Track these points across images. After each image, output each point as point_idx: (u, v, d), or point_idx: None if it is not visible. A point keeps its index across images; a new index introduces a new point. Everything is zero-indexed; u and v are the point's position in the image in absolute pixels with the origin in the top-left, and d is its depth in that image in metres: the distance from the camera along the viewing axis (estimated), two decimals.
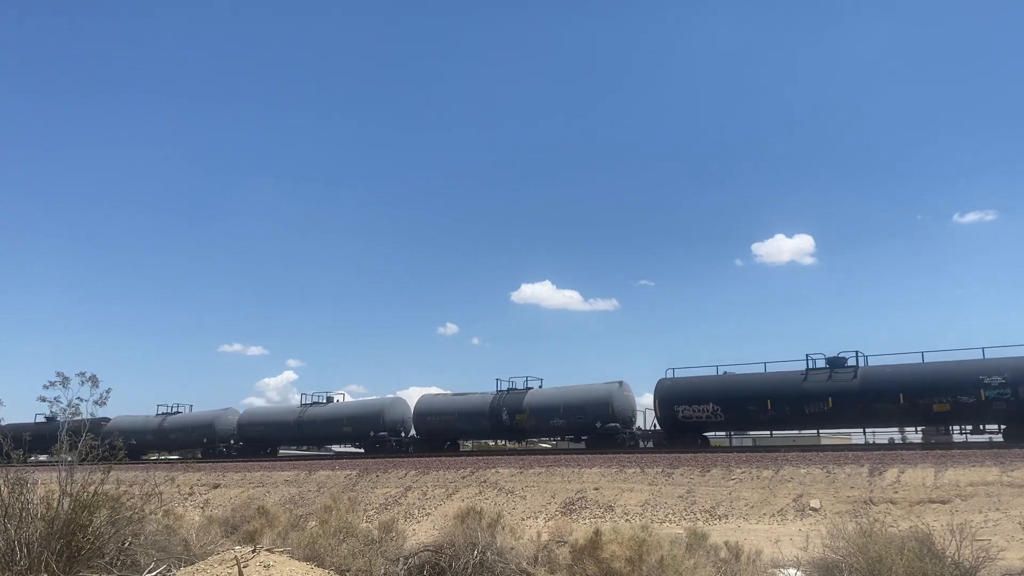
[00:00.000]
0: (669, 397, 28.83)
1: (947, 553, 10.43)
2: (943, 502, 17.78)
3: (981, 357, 24.26)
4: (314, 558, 11.19)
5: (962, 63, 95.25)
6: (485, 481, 24.88)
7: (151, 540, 11.28)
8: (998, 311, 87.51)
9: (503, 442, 36.43)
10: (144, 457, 44.24)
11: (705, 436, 29.67)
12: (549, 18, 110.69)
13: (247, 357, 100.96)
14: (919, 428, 26.84)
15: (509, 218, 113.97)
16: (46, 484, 11.24)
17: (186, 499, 28.53)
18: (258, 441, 40.22)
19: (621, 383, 31.17)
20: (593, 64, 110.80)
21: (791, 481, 20.55)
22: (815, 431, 29.07)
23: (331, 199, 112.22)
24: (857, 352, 26.22)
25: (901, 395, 24.63)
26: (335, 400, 39.56)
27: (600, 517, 20.47)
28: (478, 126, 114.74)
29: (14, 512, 10.17)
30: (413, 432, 35.93)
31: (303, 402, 39.66)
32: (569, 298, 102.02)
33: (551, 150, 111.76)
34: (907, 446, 25.04)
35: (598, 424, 30.11)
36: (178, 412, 44.61)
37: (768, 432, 28.96)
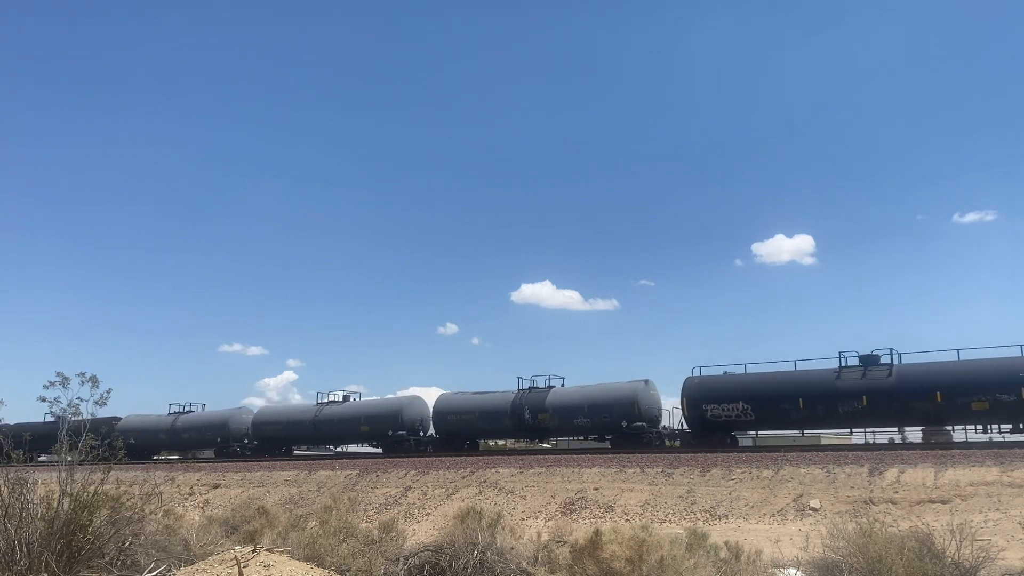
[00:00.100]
0: (697, 396, 28.25)
1: (947, 553, 10.43)
2: (943, 502, 17.79)
3: (1020, 355, 23.93)
4: (314, 558, 11.19)
5: (962, 63, 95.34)
6: (485, 481, 24.89)
7: (151, 540, 11.28)
8: (998, 311, 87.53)
9: (525, 442, 35.71)
10: (155, 457, 43.70)
11: (734, 436, 29.09)
12: (549, 18, 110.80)
13: (247, 357, 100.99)
14: (954, 427, 26.27)
15: (509, 218, 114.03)
16: (46, 484, 11.24)
17: (186, 499, 28.54)
18: (273, 440, 39.64)
19: (647, 381, 30.55)
20: (593, 64, 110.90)
21: (791, 481, 20.55)
22: (848, 430, 28.54)
23: (331, 199, 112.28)
24: (891, 350, 25.81)
25: (938, 393, 24.20)
26: (351, 399, 39.00)
27: (600, 517, 20.47)
28: (478, 126, 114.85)
29: (14, 512, 10.18)
30: (431, 432, 35.35)
31: (319, 401, 38.97)
32: (569, 298, 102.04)
33: (551, 150, 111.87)
34: (907, 446, 24.99)
35: (624, 423, 29.49)
36: (190, 411, 43.95)
37: (800, 431, 28.37)
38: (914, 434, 27.82)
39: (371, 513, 23.24)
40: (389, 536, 13.95)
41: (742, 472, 21.71)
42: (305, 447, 42.64)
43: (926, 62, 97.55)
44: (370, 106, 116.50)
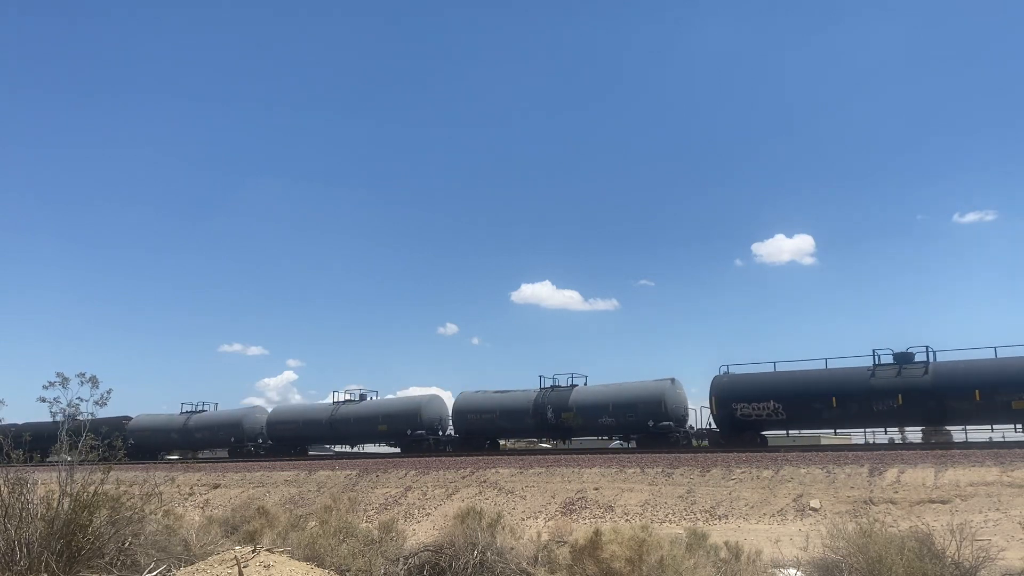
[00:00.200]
0: (726, 394, 27.78)
1: (947, 553, 10.43)
2: (943, 502, 17.79)
3: None
4: (314, 558, 11.19)
5: (962, 63, 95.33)
6: (485, 481, 24.89)
7: (151, 540, 11.27)
8: (998, 311, 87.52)
9: (547, 441, 34.95)
10: (167, 456, 43.34)
11: (763, 435, 28.63)
12: (549, 18, 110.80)
13: (247, 357, 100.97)
14: (994, 426, 26.02)
15: (509, 218, 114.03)
16: (46, 484, 11.23)
17: (186, 499, 28.53)
18: (288, 440, 39.15)
19: (673, 380, 30.07)
20: (593, 64, 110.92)
21: (791, 481, 20.56)
22: (882, 429, 27.83)
23: (331, 199, 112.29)
24: (927, 347, 25.41)
25: (977, 392, 23.70)
26: (368, 398, 38.52)
27: (600, 517, 20.48)
28: (478, 126, 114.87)
29: (14, 512, 10.17)
30: (450, 431, 34.99)
31: (335, 400, 38.48)
32: (569, 298, 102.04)
33: (551, 150, 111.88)
34: (907, 446, 25.01)
35: (650, 423, 28.94)
36: (202, 411, 43.53)
37: (832, 431, 27.83)
38: (914, 434, 27.83)
39: (371, 513, 23.24)
40: (389, 536, 13.95)
41: (742, 472, 21.71)
42: (326, 446, 41.83)
43: (926, 62, 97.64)
44: (370, 106, 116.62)
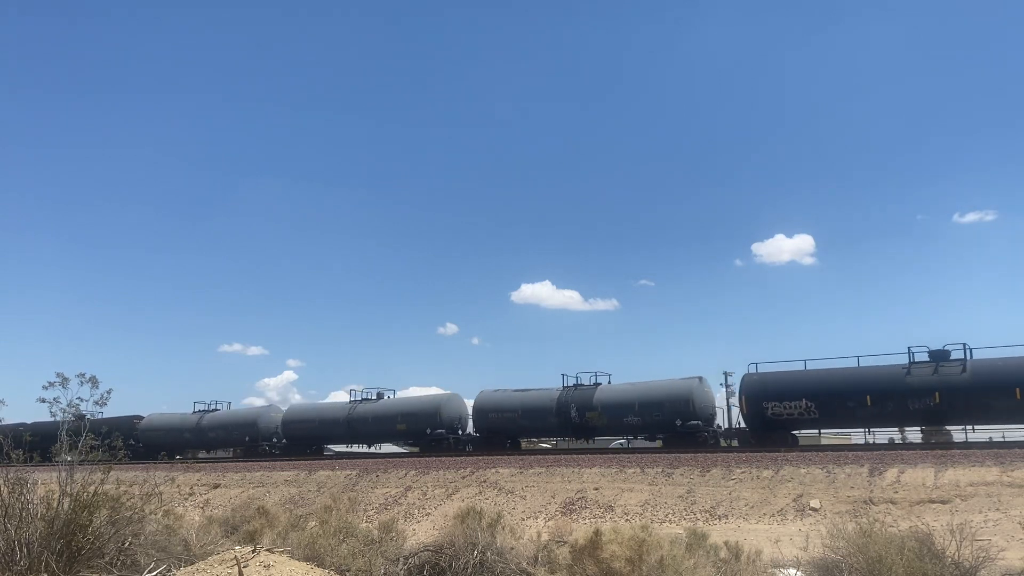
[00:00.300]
0: (757, 393, 27.30)
1: (947, 553, 10.43)
2: (943, 502, 17.79)
3: None
4: (314, 558, 11.19)
5: (962, 62, 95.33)
6: (485, 481, 24.89)
7: (151, 540, 11.27)
8: (998, 311, 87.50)
9: (571, 440, 34.24)
10: (178, 456, 42.59)
11: (794, 434, 28.03)
12: (549, 18, 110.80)
13: (247, 357, 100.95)
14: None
15: (509, 218, 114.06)
16: (46, 484, 11.24)
17: (186, 499, 28.52)
18: (304, 439, 38.67)
19: (701, 378, 29.54)
20: (593, 64, 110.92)
21: (791, 481, 20.56)
22: (918, 428, 27.15)
23: (331, 199, 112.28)
24: (964, 344, 24.91)
25: (1017, 390, 23.25)
26: (386, 396, 38.10)
27: (600, 517, 20.48)
28: (478, 126, 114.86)
29: (14, 512, 10.17)
30: (469, 430, 34.57)
31: (352, 398, 38.02)
32: (569, 298, 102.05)
33: (551, 150, 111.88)
34: (907, 446, 24.99)
35: (678, 422, 28.44)
36: (215, 410, 43.10)
37: (865, 429, 27.41)
38: (914, 434, 27.79)
39: (371, 513, 23.24)
40: (389, 536, 13.95)
41: (742, 472, 21.71)
42: (342, 446, 41.22)
43: (926, 62, 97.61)
44: (370, 106, 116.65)
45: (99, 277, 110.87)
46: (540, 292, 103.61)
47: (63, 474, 10.69)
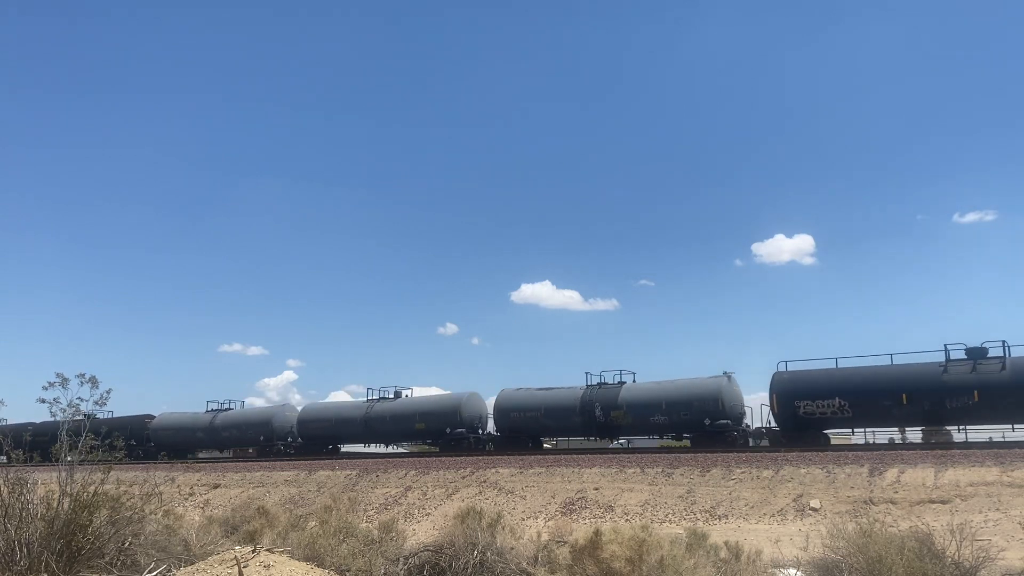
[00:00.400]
0: (788, 391, 26.72)
1: (947, 553, 10.42)
2: (943, 502, 17.79)
3: None
4: (314, 558, 11.19)
5: (962, 62, 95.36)
6: (485, 481, 24.88)
7: (151, 540, 11.27)
8: (998, 311, 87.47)
9: (594, 439, 33.63)
10: (190, 456, 42.18)
11: (826, 434, 27.53)
12: (549, 18, 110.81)
13: (247, 357, 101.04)
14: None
15: (509, 218, 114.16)
16: (46, 484, 11.24)
17: (186, 499, 28.53)
18: (320, 439, 38.09)
19: (730, 377, 29.01)
20: (593, 64, 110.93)
21: (791, 481, 20.56)
22: (956, 427, 26.36)
23: (331, 199, 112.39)
24: (1003, 342, 24.24)
25: None
26: (404, 395, 37.50)
27: (600, 517, 20.48)
28: (478, 126, 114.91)
29: (14, 512, 10.17)
30: (489, 429, 34.16)
31: (370, 397, 37.50)
32: (569, 298, 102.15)
33: (551, 150, 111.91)
34: (907, 446, 24.98)
35: (707, 421, 27.90)
36: (229, 409, 42.61)
37: (901, 428, 26.75)
38: (914, 434, 27.75)
39: (371, 513, 23.24)
40: (389, 536, 13.94)
41: (742, 472, 21.72)
42: (360, 445, 40.48)
43: (926, 62, 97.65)
44: (370, 106, 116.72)
45: (99, 277, 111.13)
46: (540, 292, 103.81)
47: (63, 474, 10.69)
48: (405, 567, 12.17)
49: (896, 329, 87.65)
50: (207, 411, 42.87)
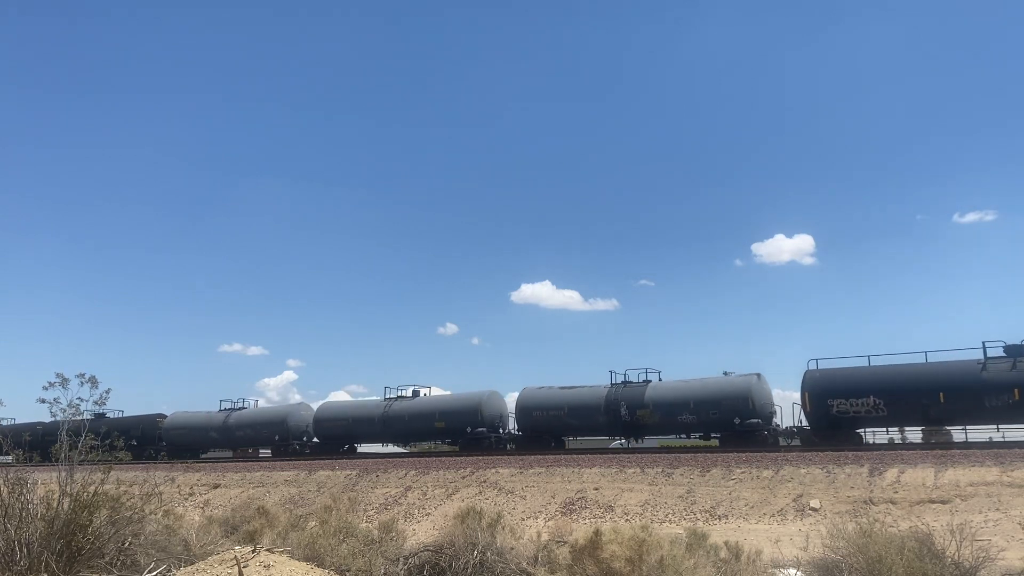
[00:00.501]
0: (821, 390, 26.23)
1: (947, 553, 10.43)
2: (943, 502, 17.79)
3: None
4: (314, 558, 11.19)
5: (962, 62, 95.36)
6: (485, 481, 24.89)
7: (151, 540, 11.27)
8: (998, 311, 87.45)
9: (620, 439, 33.21)
10: (204, 455, 42.00)
11: (859, 433, 26.89)
12: (549, 18, 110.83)
13: (247, 357, 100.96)
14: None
15: (509, 218, 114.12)
16: (46, 484, 11.24)
17: (186, 499, 28.52)
18: (337, 438, 37.72)
19: (759, 375, 28.56)
20: (593, 64, 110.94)
21: (791, 481, 20.56)
22: (994, 426, 25.70)
23: (331, 199, 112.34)
24: None
25: None
26: (422, 394, 37.06)
27: (600, 517, 20.48)
28: (478, 126, 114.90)
29: (14, 512, 10.17)
30: (510, 429, 33.77)
31: (387, 395, 37.08)
32: (569, 298, 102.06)
33: (551, 150, 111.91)
34: (907, 446, 24.95)
35: (736, 420, 27.46)
36: (243, 408, 42.12)
37: (938, 428, 26.13)
38: (914, 434, 27.72)
39: (371, 513, 23.25)
40: (389, 536, 13.95)
41: (742, 472, 21.72)
42: (377, 444, 39.75)
43: (926, 62, 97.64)
44: (370, 106, 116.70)
45: (99, 277, 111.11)
46: (540, 292, 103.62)
47: (63, 474, 10.69)
48: (405, 567, 12.17)
49: (896, 329, 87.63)
50: (220, 410, 42.33)
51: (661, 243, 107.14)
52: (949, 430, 26.16)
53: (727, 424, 27.89)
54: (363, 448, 39.00)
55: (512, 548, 12.43)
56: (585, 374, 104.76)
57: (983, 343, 24.42)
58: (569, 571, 11.12)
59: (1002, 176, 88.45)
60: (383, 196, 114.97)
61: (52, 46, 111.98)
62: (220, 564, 8.90)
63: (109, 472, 10.97)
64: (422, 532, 19.80)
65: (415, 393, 37.06)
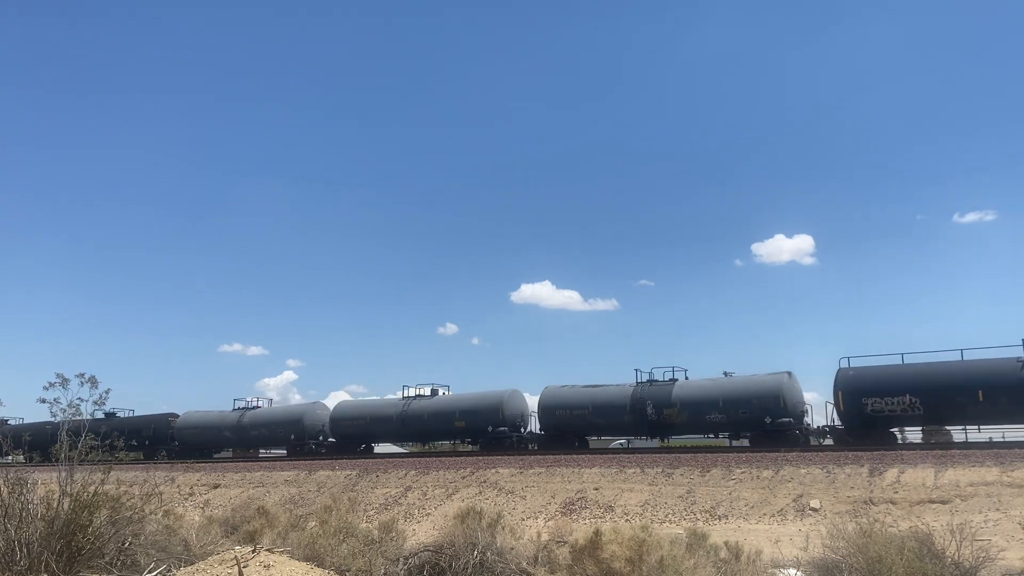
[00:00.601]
0: (855, 388, 25.81)
1: (947, 553, 10.42)
2: (943, 502, 17.79)
3: None
4: (314, 558, 11.19)
5: (962, 62, 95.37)
6: (485, 481, 24.89)
7: (151, 540, 11.27)
8: (998, 311, 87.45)
9: (645, 439, 32.75)
10: (216, 455, 41.70)
11: (893, 432, 26.48)
12: (549, 18, 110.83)
13: (247, 357, 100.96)
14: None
15: (509, 218, 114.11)
16: (46, 484, 11.24)
17: (186, 499, 28.53)
18: (354, 438, 37.22)
19: (790, 373, 28.13)
20: (593, 64, 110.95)
21: (791, 481, 20.56)
22: None
23: (331, 199, 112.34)
24: None
25: None
26: (441, 393, 36.60)
27: (600, 517, 20.48)
28: (478, 126, 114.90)
29: (14, 512, 10.17)
30: (531, 428, 33.46)
31: (406, 394, 36.57)
32: (569, 298, 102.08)
33: (551, 150, 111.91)
34: (907, 446, 24.96)
35: (767, 419, 26.99)
36: (257, 407, 41.63)
37: (977, 427, 25.69)
38: (914, 434, 27.72)
39: (371, 513, 23.25)
40: (389, 536, 13.94)
41: (742, 472, 21.72)
42: (395, 444, 39.54)
43: (926, 62, 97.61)
44: (370, 106, 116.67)
45: (99, 277, 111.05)
46: (540, 292, 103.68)
47: (63, 474, 10.69)
48: (405, 567, 12.17)
49: (896, 329, 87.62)
50: (234, 409, 41.82)
51: (661, 243, 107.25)
52: (949, 430, 26.16)
53: (757, 423, 27.45)
54: (380, 448, 38.62)
55: (512, 548, 12.43)
56: (585, 374, 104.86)
57: (1023, 340, 24.06)
58: (569, 571, 11.12)
59: (1002, 176, 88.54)
60: (383, 196, 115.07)
61: (52, 46, 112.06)
62: (220, 564, 8.91)
63: (109, 472, 10.97)
64: (422, 532, 19.80)
65: (434, 392, 36.56)
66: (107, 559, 10.38)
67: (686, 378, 30.19)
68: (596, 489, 22.60)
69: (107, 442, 11.67)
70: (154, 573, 9.94)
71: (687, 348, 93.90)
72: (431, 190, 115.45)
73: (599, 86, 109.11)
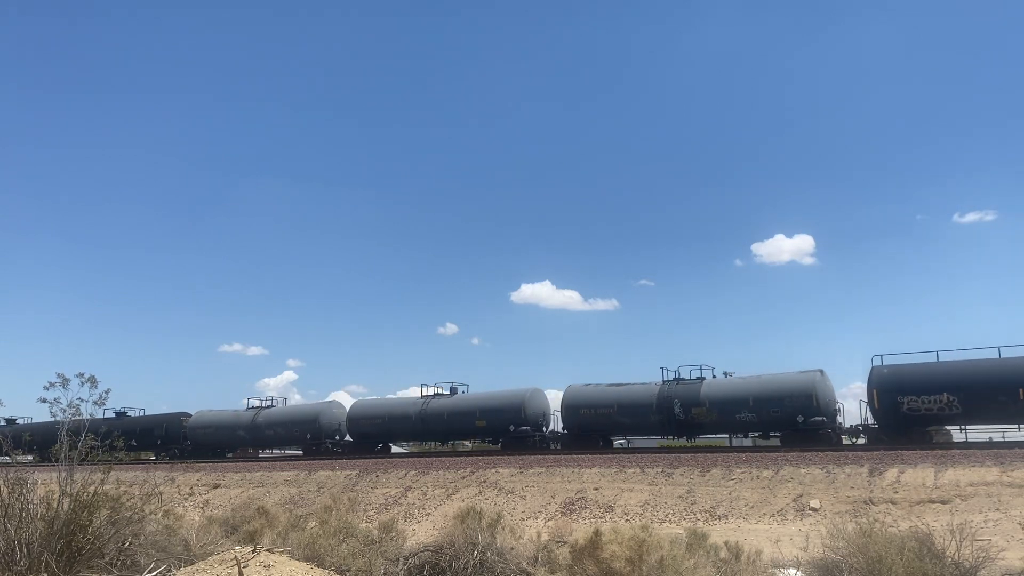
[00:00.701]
0: (890, 386, 25.29)
1: (947, 553, 10.43)
2: (943, 502, 17.79)
3: None
4: (314, 558, 11.18)
5: (962, 62, 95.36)
6: (485, 481, 24.89)
7: (151, 540, 11.27)
8: (998, 311, 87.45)
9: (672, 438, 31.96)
10: (229, 455, 41.30)
11: (929, 431, 25.91)
12: (549, 18, 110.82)
13: (247, 357, 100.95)
14: None
15: (509, 218, 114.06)
16: (46, 484, 11.24)
17: (186, 499, 28.53)
18: (371, 437, 36.74)
19: (822, 371, 27.59)
20: (593, 64, 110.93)
21: (791, 481, 20.56)
22: None
23: (331, 199, 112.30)
24: None
25: None
26: (460, 391, 36.01)
27: (600, 517, 20.48)
28: (478, 126, 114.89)
29: (14, 512, 10.17)
30: (553, 427, 33.01)
31: (424, 393, 36.08)
32: (569, 298, 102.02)
33: (551, 150, 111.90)
34: (907, 446, 24.96)
35: (799, 419, 26.43)
36: (271, 406, 41.20)
37: (1017, 426, 24.91)
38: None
39: (371, 513, 23.25)
40: (389, 536, 13.94)
41: (742, 472, 21.73)
42: (414, 443, 38.81)
43: (926, 61, 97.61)
44: (371, 106, 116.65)
45: (99, 277, 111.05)
46: (540, 292, 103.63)
47: (63, 474, 10.69)
48: (405, 567, 12.17)
49: (897, 329, 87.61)
50: (248, 408, 41.38)
51: (661, 243, 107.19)
52: (949, 430, 26.13)
53: (789, 422, 26.92)
54: (398, 448, 38.24)
55: (512, 548, 12.43)
56: (586, 373, 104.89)
57: None
58: (569, 571, 11.12)
59: (1002, 176, 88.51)
60: (383, 196, 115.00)
61: (52, 46, 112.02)
62: (220, 564, 8.91)
63: (109, 472, 10.97)
64: (422, 532, 19.80)
65: (453, 391, 36.06)
66: (107, 559, 10.38)
67: (713, 376, 29.65)
68: (596, 489, 22.60)
69: (107, 442, 11.66)
70: (154, 573, 9.94)
71: (687, 348, 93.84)
72: (431, 190, 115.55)
73: (599, 86, 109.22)
